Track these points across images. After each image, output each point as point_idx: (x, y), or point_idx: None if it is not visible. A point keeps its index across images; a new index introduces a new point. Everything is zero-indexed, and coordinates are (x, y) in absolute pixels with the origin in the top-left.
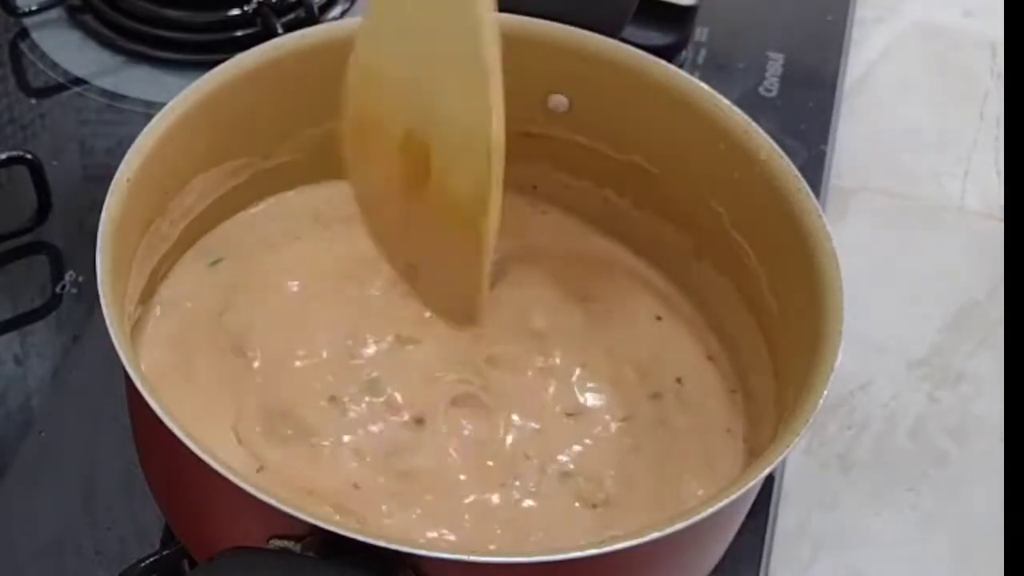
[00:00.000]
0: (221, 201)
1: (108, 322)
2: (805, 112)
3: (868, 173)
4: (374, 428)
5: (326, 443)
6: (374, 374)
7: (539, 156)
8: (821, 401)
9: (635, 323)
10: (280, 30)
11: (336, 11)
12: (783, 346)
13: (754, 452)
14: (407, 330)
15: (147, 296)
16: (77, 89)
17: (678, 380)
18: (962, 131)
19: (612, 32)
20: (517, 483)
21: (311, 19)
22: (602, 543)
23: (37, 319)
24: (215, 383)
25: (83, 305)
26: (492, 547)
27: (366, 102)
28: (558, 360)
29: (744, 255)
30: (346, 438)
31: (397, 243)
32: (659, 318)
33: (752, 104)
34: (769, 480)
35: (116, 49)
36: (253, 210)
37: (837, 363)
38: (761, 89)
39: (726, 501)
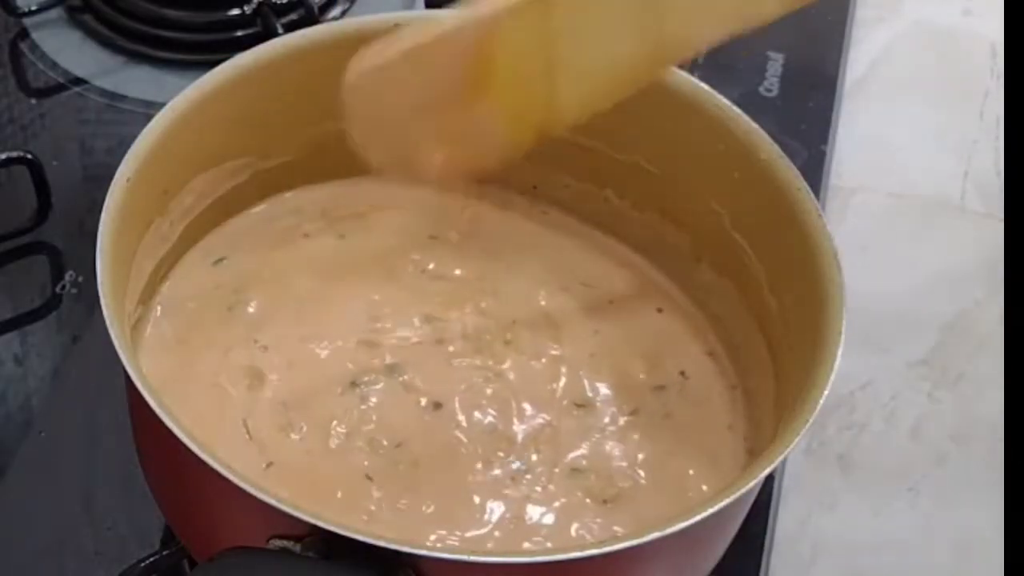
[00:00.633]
0: (221, 201)
1: (108, 322)
2: (805, 112)
3: (868, 173)
4: (391, 414)
5: (341, 433)
6: (393, 360)
7: (539, 156)
8: (821, 401)
9: (637, 314)
10: (280, 30)
11: (336, 11)
12: (783, 346)
13: (754, 451)
14: (426, 316)
15: (147, 296)
16: (77, 89)
17: (682, 374)
18: (962, 131)
19: None
20: (528, 477)
21: (311, 19)
22: (602, 543)
23: (37, 319)
24: (222, 380)
25: (83, 305)
26: (490, 546)
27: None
28: (569, 349)
29: (744, 255)
30: (362, 427)
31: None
32: (660, 310)
33: (752, 104)
34: (769, 480)
35: (116, 49)
36: (256, 209)
37: (837, 363)
38: (761, 89)
39: (726, 501)
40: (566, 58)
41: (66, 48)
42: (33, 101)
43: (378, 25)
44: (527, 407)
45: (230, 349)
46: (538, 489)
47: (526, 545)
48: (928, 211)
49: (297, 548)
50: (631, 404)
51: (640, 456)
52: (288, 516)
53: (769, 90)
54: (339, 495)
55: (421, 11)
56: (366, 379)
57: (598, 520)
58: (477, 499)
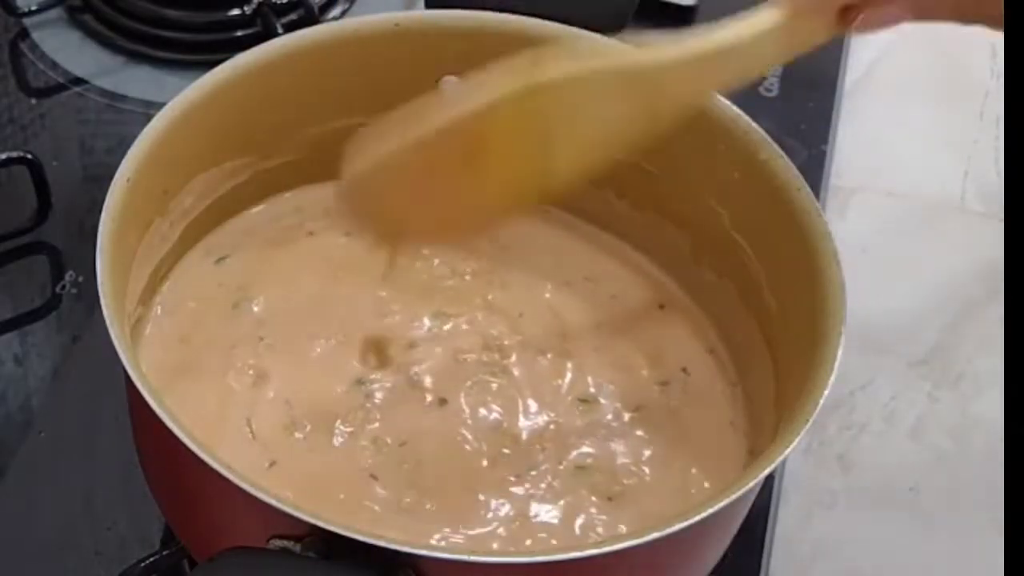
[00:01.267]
0: (221, 201)
1: (108, 322)
2: (805, 112)
3: (868, 173)
4: (396, 412)
5: (345, 431)
6: (399, 357)
7: None
8: (821, 401)
9: (639, 310)
10: (280, 30)
11: (336, 11)
12: (783, 346)
13: (754, 450)
14: (433, 313)
15: (148, 296)
16: (77, 89)
17: (684, 370)
18: (962, 131)
19: (612, 32)
20: (533, 474)
21: (311, 19)
22: (602, 543)
23: (37, 319)
24: (226, 379)
25: (83, 305)
26: (496, 545)
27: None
28: (574, 344)
29: (744, 255)
30: (367, 425)
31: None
32: (661, 307)
33: (752, 104)
34: (769, 480)
35: (116, 49)
36: (257, 208)
37: (837, 363)
38: (761, 89)
39: (726, 501)
40: (560, 132)
41: (66, 48)
42: (33, 101)
43: (378, 25)
44: (532, 404)
45: (234, 347)
46: (543, 487)
47: (528, 543)
48: (928, 211)
49: (297, 548)
50: (635, 401)
51: (644, 453)
52: (288, 516)
53: (769, 90)
54: (343, 494)
55: (421, 11)
56: (372, 377)
57: (603, 517)
58: (482, 497)
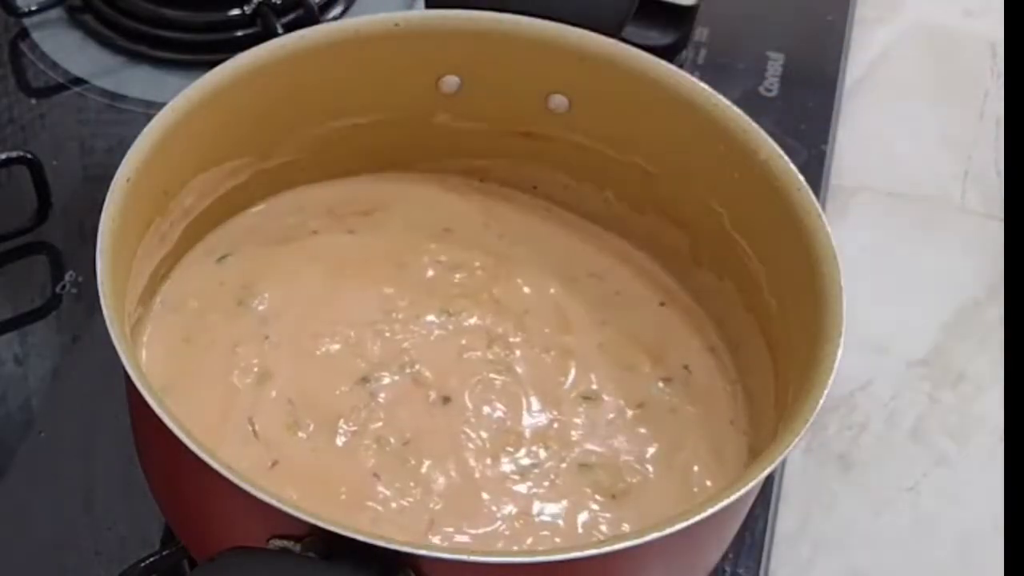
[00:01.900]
0: (221, 201)
1: (108, 322)
2: (805, 112)
3: (868, 173)
4: (399, 410)
5: (348, 431)
6: (404, 354)
7: (539, 156)
8: (821, 401)
9: (641, 307)
10: (280, 30)
11: (336, 11)
12: (783, 346)
13: (754, 450)
14: (439, 309)
15: (148, 296)
16: (77, 89)
17: (685, 367)
18: (962, 131)
19: (612, 32)
20: (536, 472)
21: (311, 19)
22: (602, 543)
23: (37, 319)
24: (228, 377)
25: (83, 305)
26: (501, 544)
27: None
28: (577, 339)
29: (744, 255)
30: (370, 424)
31: None
32: (662, 304)
33: (752, 104)
34: (769, 480)
35: (116, 49)
36: (257, 208)
37: (837, 363)
38: (761, 89)
39: (726, 501)
40: None
41: (66, 48)
42: (33, 101)
43: (378, 25)
44: (535, 401)
45: (237, 345)
46: (546, 484)
47: (530, 541)
48: (928, 211)
49: (297, 548)
50: (637, 398)
51: (647, 451)
52: (288, 516)
53: (769, 90)
54: (346, 493)
55: (421, 11)
56: (376, 375)
57: (606, 515)
58: (486, 495)
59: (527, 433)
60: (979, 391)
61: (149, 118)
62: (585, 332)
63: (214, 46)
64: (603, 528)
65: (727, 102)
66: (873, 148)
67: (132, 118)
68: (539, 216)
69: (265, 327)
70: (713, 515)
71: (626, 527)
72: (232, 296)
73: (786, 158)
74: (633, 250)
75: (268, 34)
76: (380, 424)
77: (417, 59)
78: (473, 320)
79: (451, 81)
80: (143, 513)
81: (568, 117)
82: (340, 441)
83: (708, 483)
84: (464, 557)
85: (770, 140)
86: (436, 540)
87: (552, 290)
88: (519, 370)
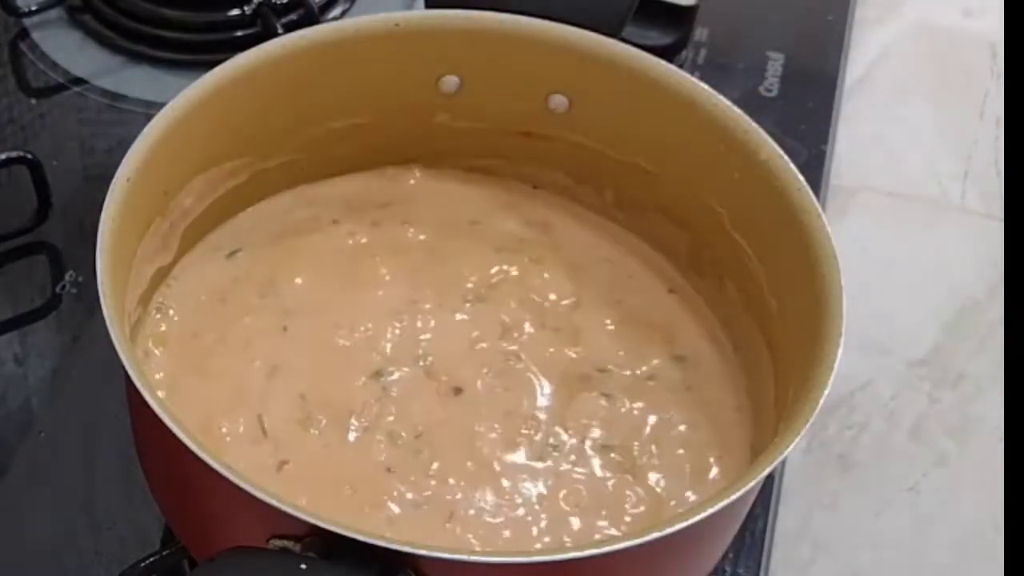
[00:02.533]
0: (221, 201)
1: (108, 322)
2: (805, 112)
3: (868, 173)
4: (411, 403)
5: (360, 426)
6: (418, 347)
7: (539, 156)
8: (821, 401)
9: (652, 290)
10: (280, 30)
11: (336, 11)
12: (783, 346)
13: (755, 449)
14: (454, 300)
15: (148, 296)
16: (77, 89)
17: (693, 354)
18: (962, 131)
19: (612, 32)
20: (552, 458)
21: (311, 19)
22: (602, 543)
23: (37, 319)
24: (236, 376)
25: (83, 305)
26: (507, 534)
27: None
28: (591, 324)
29: (744, 255)
30: (381, 420)
31: None
32: (671, 291)
33: (752, 104)
34: (769, 480)
35: (116, 49)
36: (261, 206)
37: (837, 363)
38: (761, 89)
39: (726, 501)
40: None
41: (66, 48)
42: (33, 101)
43: (378, 25)
44: (547, 386)
45: (251, 339)
46: (565, 467)
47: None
48: (928, 211)
49: (297, 548)
50: (650, 384)
51: (659, 436)
52: (288, 516)
53: (769, 90)
54: (360, 490)
55: (421, 11)
56: (390, 368)
57: (619, 499)
58: (505, 482)
59: (541, 416)
60: (979, 391)
61: (149, 118)
62: (597, 316)
63: (214, 46)
64: (617, 513)
65: (727, 102)
66: (873, 148)
67: (132, 118)
68: (550, 207)
69: (285, 319)
70: (713, 515)
71: (640, 511)
72: (252, 290)
73: (786, 158)
74: (639, 242)
75: (268, 34)
76: (392, 418)
77: (417, 59)
78: (486, 310)
79: (451, 81)
80: (143, 513)
81: (568, 117)
82: (352, 437)
83: (716, 471)
84: (464, 557)
85: (770, 140)
86: (458, 531)
87: (567, 273)
88: (532, 355)
